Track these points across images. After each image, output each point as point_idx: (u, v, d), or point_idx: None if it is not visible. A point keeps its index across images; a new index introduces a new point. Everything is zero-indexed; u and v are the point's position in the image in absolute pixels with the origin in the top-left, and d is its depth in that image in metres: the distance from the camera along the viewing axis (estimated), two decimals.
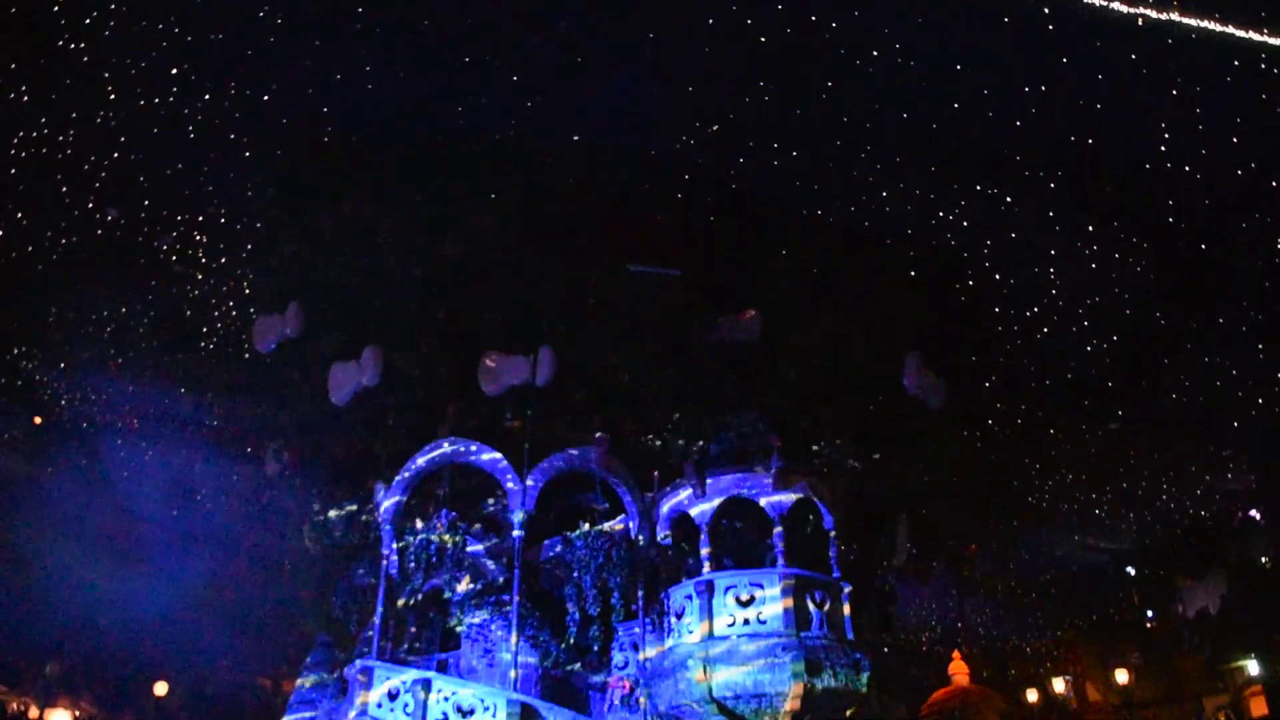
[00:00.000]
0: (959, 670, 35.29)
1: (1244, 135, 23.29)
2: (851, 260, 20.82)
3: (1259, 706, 31.97)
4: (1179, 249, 27.49)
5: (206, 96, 24.78)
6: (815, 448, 19.19)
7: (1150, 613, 36.46)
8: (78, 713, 33.78)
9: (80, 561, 32.69)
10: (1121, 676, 31.43)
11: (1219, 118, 23.23)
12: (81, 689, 34.36)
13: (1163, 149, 24.29)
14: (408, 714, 17.71)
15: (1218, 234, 26.83)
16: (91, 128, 26.23)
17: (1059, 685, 34.76)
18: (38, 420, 33.43)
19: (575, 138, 22.67)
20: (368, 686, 18.35)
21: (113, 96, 24.75)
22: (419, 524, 19.36)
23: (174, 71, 24.40)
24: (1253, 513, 34.94)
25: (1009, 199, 26.10)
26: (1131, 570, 35.52)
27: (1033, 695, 36.02)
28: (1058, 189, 26.03)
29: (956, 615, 34.98)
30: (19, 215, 28.63)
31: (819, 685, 17.92)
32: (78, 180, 28.27)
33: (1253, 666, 31.90)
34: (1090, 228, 26.47)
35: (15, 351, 31.45)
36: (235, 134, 25.45)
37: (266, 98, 24.42)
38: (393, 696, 18.09)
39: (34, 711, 30.96)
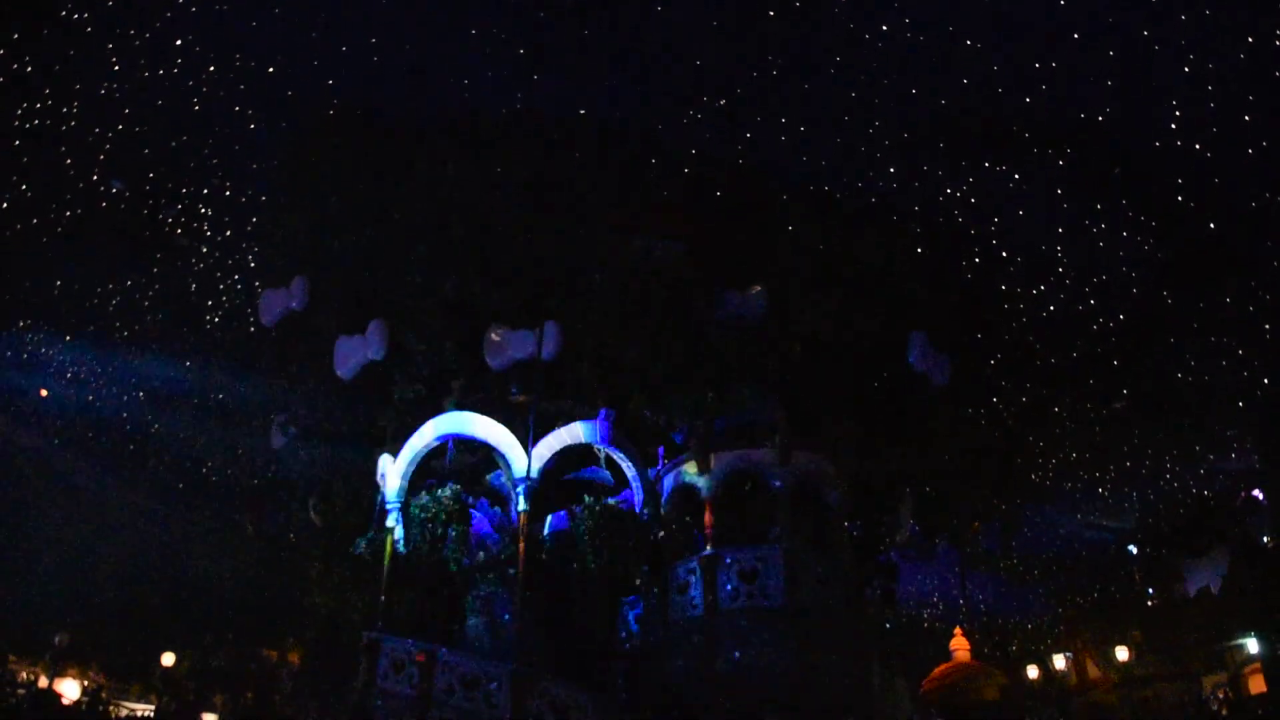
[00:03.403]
0: (960, 646, 35.40)
1: (1255, 113, 23.10)
2: (857, 236, 20.72)
3: (1257, 684, 32.12)
4: (1187, 227, 27.34)
5: (211, 68, 24.67)
6: (820, 424, 19.17)
7: (1151, 591, 36.55)
8: (86, 682, 34.09)
9: (87, 534, 32.91)
10: (1121, 654, 31.55)
11: (1230, 95, 23.04)
12: (90, 659, 34.67)
13: (1173, 126, 24.12)
14: (413, 686, 17.85)
15: (1226, 212, 26.67)
16: (95, 99, 26.14)
17: (1059, 662, 34.88)
18: (44, 393, 33.53)
19: (581, 111, 22.58)
20: (374, 658, 18.52)
21: (116, 68, 24.63)
22: (424, 497, 19.42)
23: (178, 43, 24.28)
24: (1255, 492, 34.94)
25: (1016, 176, 25.97)
26: (1133, 549, 35.59)
27: (1033, 671, 36.21)
28: (1066, 166, 25.88)
29: (958, 592, 35.11)
30: (23, 187, 28.59)
31: (822, 660, 18.07)
32: (82, 152, 28.21)
33: (1252, 645, 32.01)
34: (1098, 205, 26.34)
35: (20, 324, 31.50)
36: (240, 106, 25.37)
37: (271, 70, 24.31)
38: (398, 668, 18.24)
39: (44, 681, 31.22)
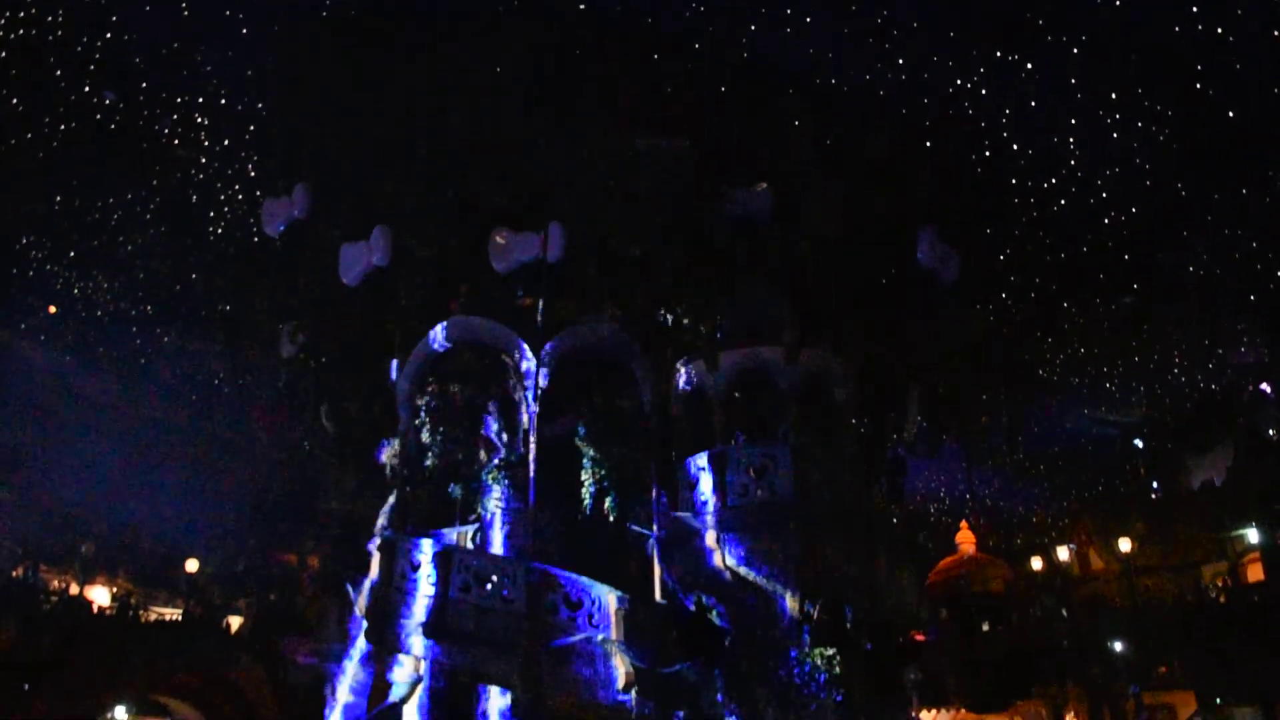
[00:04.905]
0: (966, 539, 36.21)
1: None
2: (865, 131, 20.31)
3: (1255, 573, 32.79)
4: (1204, 117, 26.70)
5: None
6: (827, 321, 19.14)
7: (1155, 484, 37.00)
8: (115, 589, 35.17)
9: (104, 447, 33.44)
10: (1124, 545, 32.13)
11: None
12: (117, 567, 35.69)
13: (1192, 9, 23.32)
14: (431, 584, 18.29)
15: (1247, 100, 25.99)
16: (81, 6, 25.47)
17: (1063, 554, 35.62)
18: (53, 310, 33.63)
19: (582, 6, 21.90)
20: (391, 558, 18.94)
21: None
22: (434, 402, 19.57)
23: None
24: (1263, 386, 35.00)
25: (1028, 66, 25.25)
26: (1139, 443, 35.88)
27: (1037, 563, 37.00)
28: (1079, 55, 25.13)
29: (965, 486, 35.60)
30: (14, 101, 28.10)
31: (830, 554, 18.43)
32: (71, 63, 27.62)
33: (1252, 535, 32.55)
34: (1112, 95, 25.68)
35: (23, 241, 31.37)
36: (231, 9, 24.67)
37: None
38: (415, 568, 18.66)
39: (74, 588, 32.22)
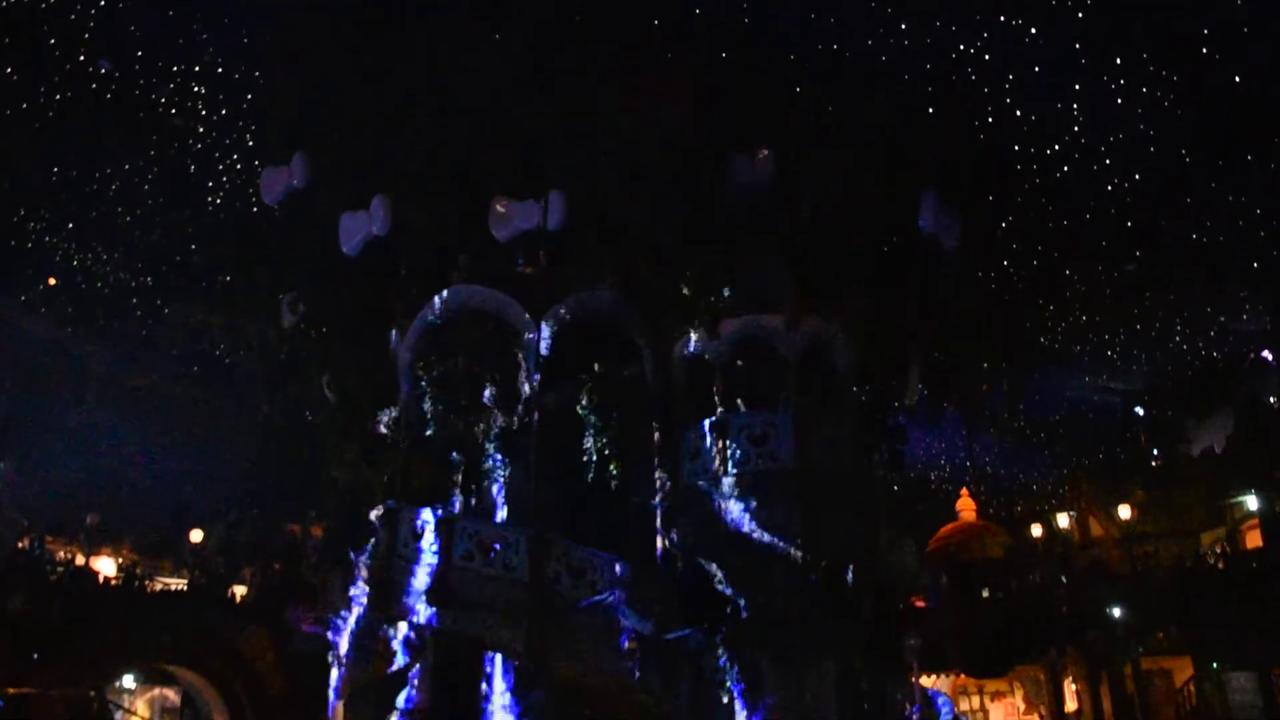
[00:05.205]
0: (966, 506, 36.38)
1: None
2: (867, 97, 20.12)
3: (1254, 539, 32.95)
4: (1209, 83, 26.47)
5: None
6: (829, 289, 19.08)
7: (1156, 451, 37.08)
8: (120, 559, 35.41)
9: (107, 418, 33.52)
10: (1124, 512, 32.28)
11: None
12: (122, 538, 35.88)
13: None
14: (434, 552, 18.40)
15: (1252, 66, 25.75)
16: None
17: (1063, 520, 35.74)
18: (52, 281, 33.56)
19: None
20: (393, 527, 19.05)
21: None
22: (435, 371, 19.58)
23: None
24: (1265, 353, 34.98)
25: (1032, 30, 25.01)
26: (1140, 410, 35.93)
27: (1037, 530, 37.16)
28: (1085, 18, 24.88)
29: (965, 454, 35.72)
30: (9, 71, 27.88)
31: (831, 521, 18.50)
32: (66, 32, 27.38)
33: (1251, 502, 32.66)
34: (1118, 60, 25.45)
35: (21, 213, 31.26)
36: None
37: None
38: (417, 536, 18.77)
39: (80, 559, 32.41)
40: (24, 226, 31.25)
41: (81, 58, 27.82)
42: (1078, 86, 26.20)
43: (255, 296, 22.24)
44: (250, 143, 26.06)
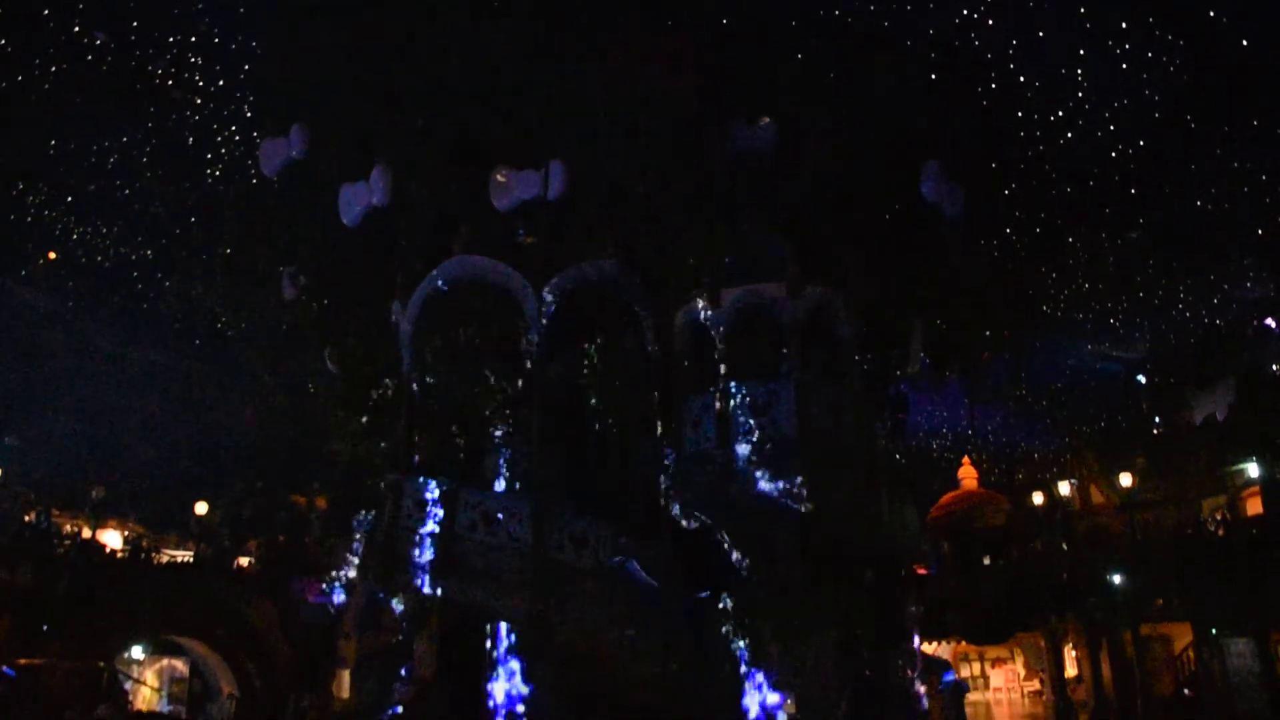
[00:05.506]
0: (968, 475, 36.56)
1: None
2: (868, 63, 19.92)
3: (1255, 506, 33.06)
4: (1215, 46, 26.18)
5: None
6: (830, 257, 19.03)
7: (1158, 419, 37.10)
8: (126, 532, 35.67)
9: (111, 392, 33.58)
10: (1125, 480, 32.36)
11: None
12: (128, 511, 36.12)
13: None
14: (437, 523, 18.48)
15: (1259, 30, 25.46)
16: None
17: (1064, 488, 35.88)
18: (52, 255, 33.49)
19: None
20: (397, 498, 19.11)
21: None
22: (438, 342, 19.58)
23: None
24: (1268, 321, 34.89)
25: None
26: (1142, 378, 35.90)
27: (1038, 498, 37.31)
28: None
29: (967, 422, 35.77)
30: (2, 43, 27.65)
31: (833, 490, 18.57)
32: (60, 2, 27.10)
33: (1253, 469, 32.73)
34: (1122, 24, 25.15)
35: (19, 187, 31.13)
36: None
37: None
38: (421, 506, 18.84)
39: (86, 532, 32.65)
40: (22, 201, 31.14)
41: (76, 28, 27.58)
42: (1081, 51, 25.93)
43: (255, 269, 22.19)
44: (248, 114, 25.85)
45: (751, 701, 17.07)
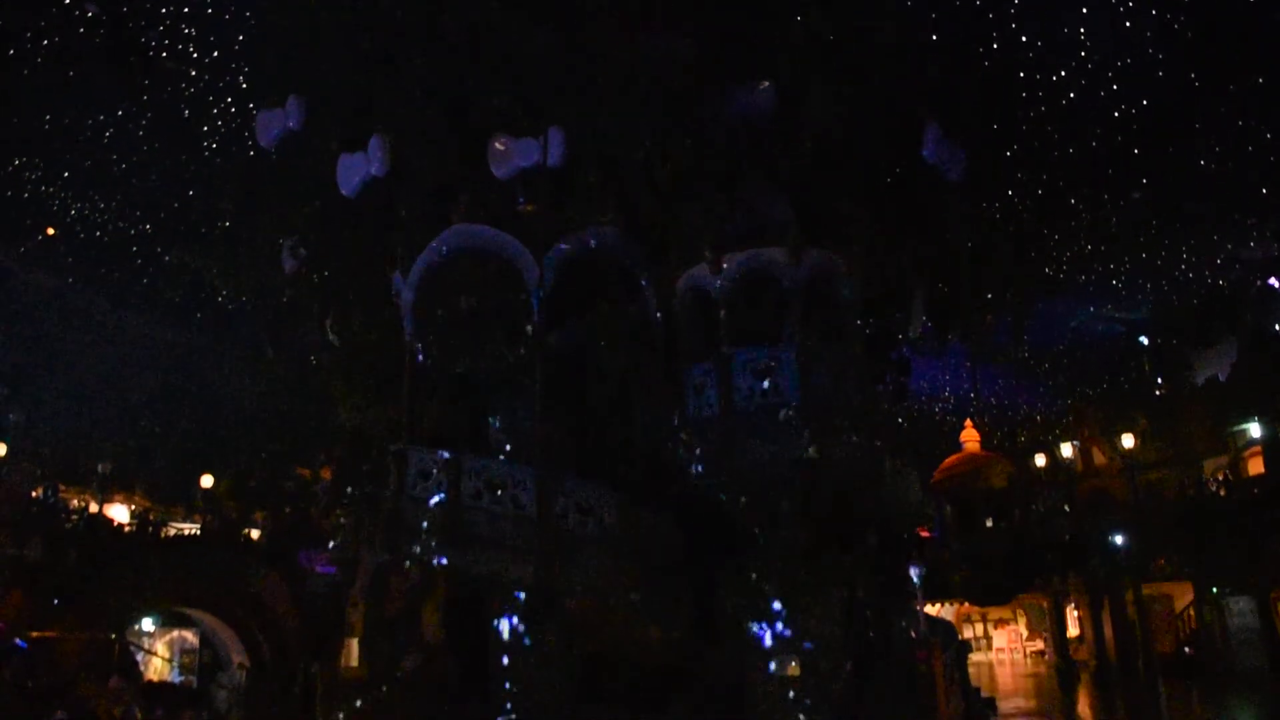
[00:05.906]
0: (970, 437, 36.56)
1: None
2: (869, 24, 19.70)
3: (1256, 466, 33.21)
4: (1220, 5, 25.93)
5: None
6: (832, 221, 18.93)
7: (1160, 380, 37.15)
8: (133, 506, 35.89)
9: (114, 366, 33.65)
10: (1127, 441, 32.48)
11: None
12: (134, 485, 36.34)
13: None
14: (441, 491, 18.54)
15: None
16: None
17: (1066, 450, 35.98)
18: (51, 231, 33.41)
19: None
20: (402, 467, 19.17)
21: None
22: (439, 312, 19.55)
23: None
24: (1270, 280, 34.84)
25: None
26: (1144, 339, 35.91)
27: (1041, 460, 37.44)
28: None
29: (969, 385, 35.76)
30: None
31: (836, 454, 18.62)
32: None
33: (1254, 429, 32.83)
34: None
35: (16, 163, 30.99)
36: None
37: None
38: (425, 476, 18.90)
39: (94, 506, 32.87)
40: (20, 176, 31.03)
41: (68, 0, 27.32)
42: (1084, 9, 25.67)
43: (254, 241, 22.12)
44: (244, 85, 25.67)
45: (756, 663, 17.24)
